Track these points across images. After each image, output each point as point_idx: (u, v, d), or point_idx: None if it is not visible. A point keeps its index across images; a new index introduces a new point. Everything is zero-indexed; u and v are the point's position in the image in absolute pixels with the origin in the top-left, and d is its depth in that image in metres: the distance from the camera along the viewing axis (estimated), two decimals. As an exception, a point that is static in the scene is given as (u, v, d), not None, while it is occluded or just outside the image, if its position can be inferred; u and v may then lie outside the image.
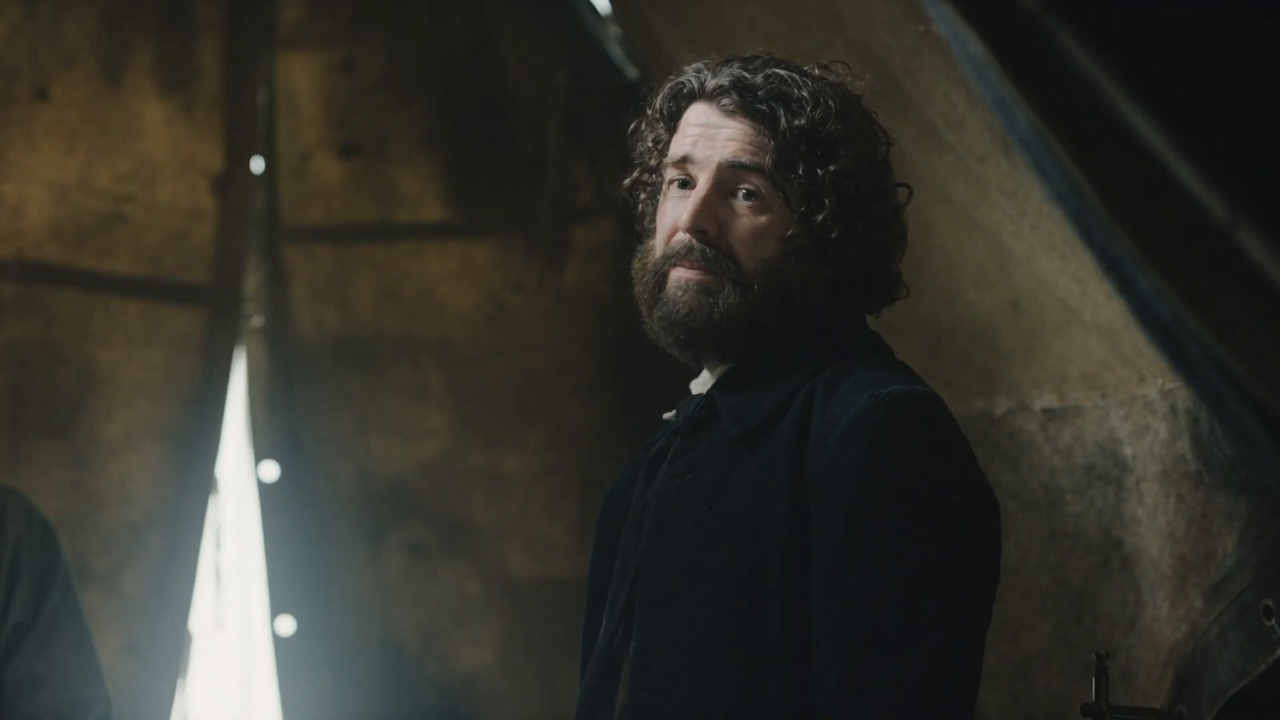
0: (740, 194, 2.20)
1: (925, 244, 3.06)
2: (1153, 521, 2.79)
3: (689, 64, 2.29)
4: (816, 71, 2.25)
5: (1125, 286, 1.68)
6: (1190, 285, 1.63)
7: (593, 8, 4.32)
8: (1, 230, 4.06)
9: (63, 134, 4.11)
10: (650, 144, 2.33)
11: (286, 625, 4.32)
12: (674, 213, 2.24)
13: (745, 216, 2.20)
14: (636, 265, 2.31)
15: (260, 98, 4.32)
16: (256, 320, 4.34)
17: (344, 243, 4.36)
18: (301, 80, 4.36)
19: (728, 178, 2.20)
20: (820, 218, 2.18)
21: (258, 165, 4.33)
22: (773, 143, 2.19)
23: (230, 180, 4.26)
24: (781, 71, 2.21)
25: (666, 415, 2.34)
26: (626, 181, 2.37)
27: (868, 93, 2.29)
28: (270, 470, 4.33)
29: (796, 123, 2.18)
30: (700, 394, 2.29)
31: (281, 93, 4.35)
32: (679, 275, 2.21)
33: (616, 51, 4.32)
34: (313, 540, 4.32)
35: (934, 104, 2.83)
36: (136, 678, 4.08)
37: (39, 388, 4.07)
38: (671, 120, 2.29)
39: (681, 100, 2.27)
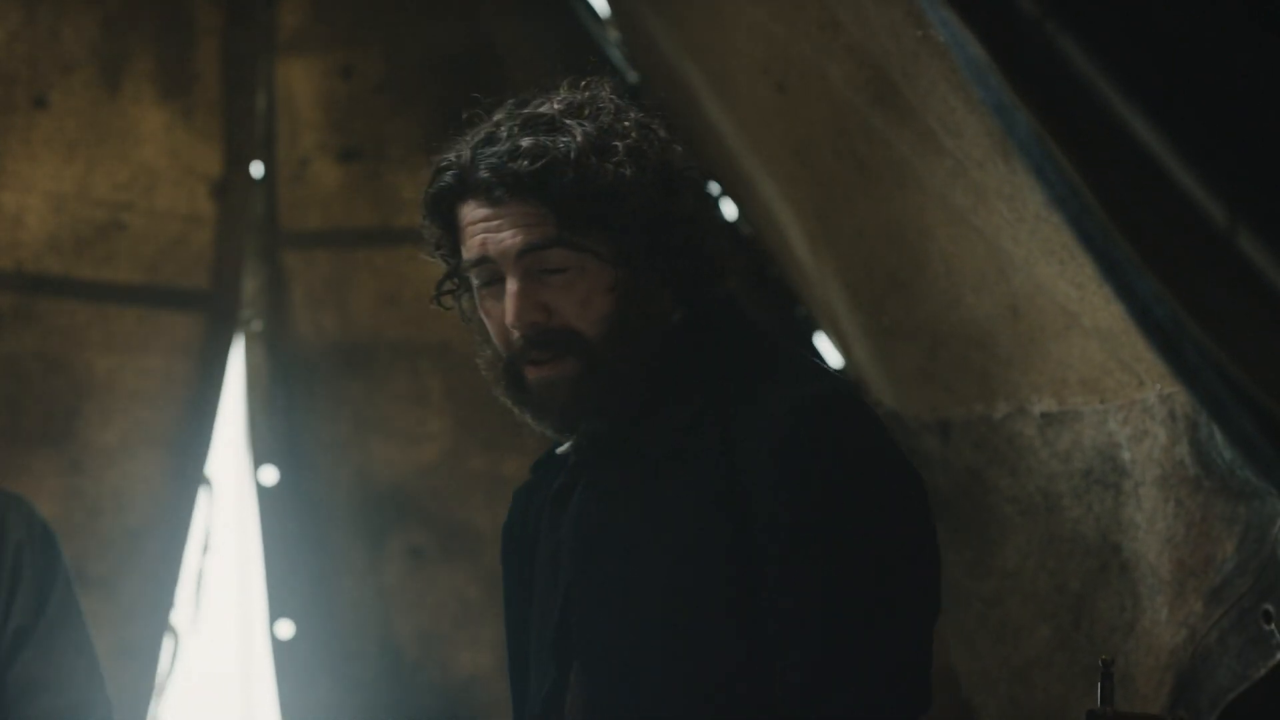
0: (550, 271, 2.15)
1: (924, 249, 3.06)
2: (1151, 526, 2.79)
3: (448, 154, 2.19)
4: (558, 104, 2.17)
5: (1124, 291, 1.69)
6: (1189, 290, 1.63)
7: (592, 12, 4.32)
8: (0, 241, 4.06)
9: (61, 143, 4.11)
10: (435, 248, 2.27)
11: (286, 629, 4.32)
12: (497, 312, 2.18)
13: (563, 290, 2.15)
14: (483, 365, 2.25)
15: (259, 103, 4.32)
16: (256, 325, 4.34)
17: (343, 247, 4.36)
18: (300, 85, 4.36)
19: (530, 264, 2.14)
20: (622, 248, 2.13)
21: (257, 170, 4.33)
22: (550, 213, 2.13)
23: (229, 185, 4.26)
24: (526, 141, 2.13)
25: (560, 449, 2.28)
26: (436, 294, 2.29)
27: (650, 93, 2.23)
28: (269, 475, 4.33)
29: (565, 181, 2.11)
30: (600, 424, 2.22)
31: (280, 98, 4.35)
32: (537, 376, 2.16)
33: (616, 55, 4.32)
34: (312, 544, 4.32)
35: (932, 108, 2.83)
36: (133, 680, 4.08)
37: (36, 397, 4.07)
38: (447, 223, 2.23)
39: (450, 202, 2.21)
